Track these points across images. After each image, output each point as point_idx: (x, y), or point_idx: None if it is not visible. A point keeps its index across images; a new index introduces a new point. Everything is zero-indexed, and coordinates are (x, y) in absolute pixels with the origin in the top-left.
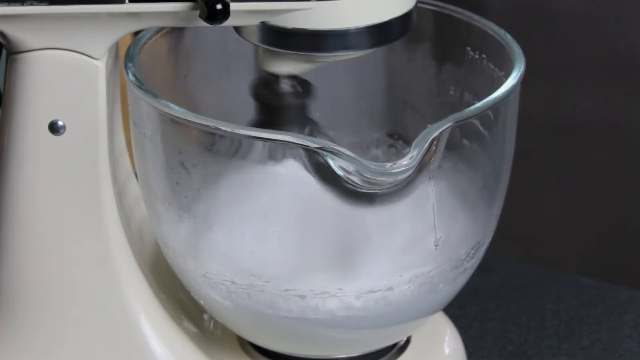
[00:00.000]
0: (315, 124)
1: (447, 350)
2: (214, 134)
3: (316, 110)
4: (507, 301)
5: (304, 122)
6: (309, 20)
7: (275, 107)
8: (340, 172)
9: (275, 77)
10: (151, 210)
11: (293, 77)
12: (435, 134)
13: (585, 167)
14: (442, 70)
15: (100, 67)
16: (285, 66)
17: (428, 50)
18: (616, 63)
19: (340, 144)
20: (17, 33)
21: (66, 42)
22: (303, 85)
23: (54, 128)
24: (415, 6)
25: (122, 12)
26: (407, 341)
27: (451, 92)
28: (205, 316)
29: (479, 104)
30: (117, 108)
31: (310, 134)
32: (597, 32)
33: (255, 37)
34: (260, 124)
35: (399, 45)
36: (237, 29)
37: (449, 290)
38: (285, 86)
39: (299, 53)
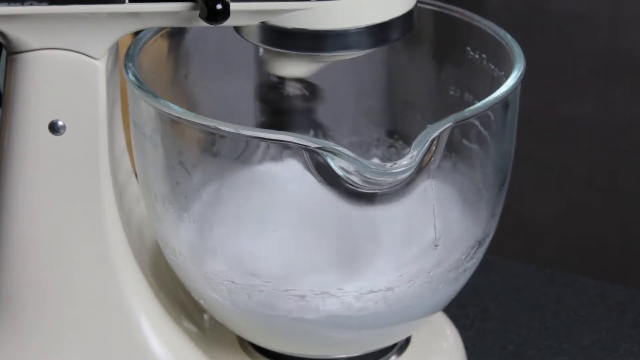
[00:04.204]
0: (322, 128)
1: (447, 350)
2: (214, 134)
3: (316, 110)
4: (507, 301)
5: (312, 126)
6: (309, 20)
7: (282, 110)
8: (340, 172)
9: (282, 80)
10: (151, 211)
11: (300, 80)
12: (435, 134)
13: (585, 167)
14: (442, 70)
15: (100, 67)
16: (291, 69)
17: (428, 50)
18: (616, 63)
19: (340, 144)
20: (17, 33)
21: (66, 42)
22: (310, 89)
23: (54, 128)
24: (416, 6)
25: (122, 12)
26: (407, 341)
27: (451, 92)
28: (205, 316)
29: (479, 104)
30: (117, 108)
31: (317, 137)
32: (597, 32)
33: (255, 37)
34: (267, 127)
35: (399, 45)
36: (237, 29)
37: (449, 290)
38: (292, 89)
39: (299, 53)
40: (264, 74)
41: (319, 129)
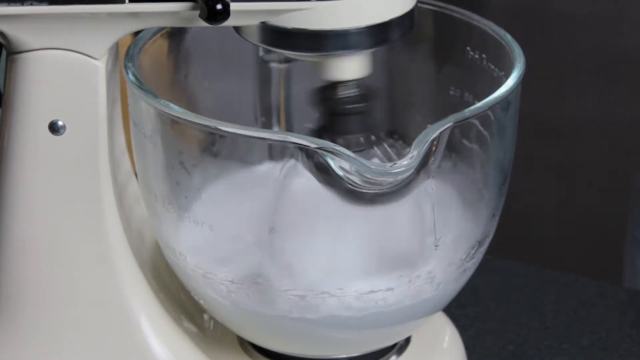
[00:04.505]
0: (375, 130)
1: (447, 350)
2: (214, 134)
3: (316, 110)
4: (507, 301)
5: (366, 129)
6: (309, 20)
7: (336, 113)
8: (340, 172)
9: (335, 84)
10: (151, 210)
11: (352, 83)
12: (435, 134)
13: (585, 167)
14: (442, 70)
15: (100, 67)
16: (343, 71)
17: (428, 50)
18: (616, 63)
19: (340, 144)
20: (17, 33)
21: (66, 42)
22: (363, 90)
23: (54, 128)
24: (416, 6)
25: (122, 12)
26: (407, 341)
27: (451, 92)
28: (205, 316)
29: (479, 104)
30: (117, 108)
31: (371, 140)
32: (597, 32)
33: (255, 37)
34: (322, 131)
35: (399, 45)
36: (237, 29)
37: (449, 290)
38: (345, 92)
39: (299, 53)
40: (265, 73)
41: (373, 132)
